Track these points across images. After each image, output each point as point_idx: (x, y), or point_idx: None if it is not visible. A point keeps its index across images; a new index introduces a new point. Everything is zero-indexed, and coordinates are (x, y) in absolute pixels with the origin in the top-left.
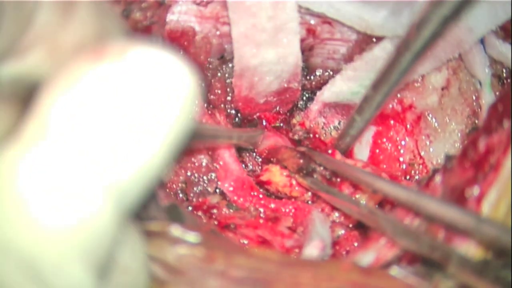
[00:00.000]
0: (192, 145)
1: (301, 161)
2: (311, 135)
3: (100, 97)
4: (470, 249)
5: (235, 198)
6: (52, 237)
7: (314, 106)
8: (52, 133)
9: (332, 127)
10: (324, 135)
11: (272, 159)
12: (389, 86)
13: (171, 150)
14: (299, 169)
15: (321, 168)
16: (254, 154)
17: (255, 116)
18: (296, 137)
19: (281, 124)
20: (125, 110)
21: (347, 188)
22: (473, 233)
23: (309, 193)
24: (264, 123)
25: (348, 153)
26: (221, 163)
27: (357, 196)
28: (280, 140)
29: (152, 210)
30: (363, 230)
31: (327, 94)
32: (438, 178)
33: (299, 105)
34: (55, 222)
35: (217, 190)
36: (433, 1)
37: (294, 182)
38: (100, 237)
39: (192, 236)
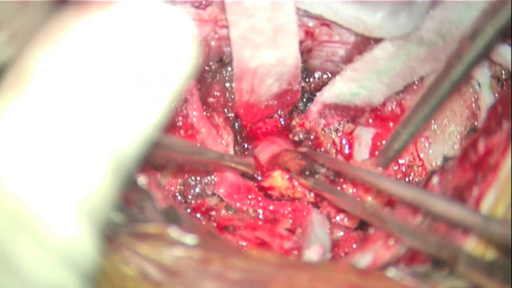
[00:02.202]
0: (190, 163)
1: (303, 162)
2: (312, 136)
3: (89, 49)
4: (477, 248)
5: (232, 202)
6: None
7: (314, 107)
8: (36, 85)
9: (332, 128)
10: (324, 136)
11: (275, 166)
12: (438, 99)
13: (171, 105)
14: (301, 170)
15: (324, 168)
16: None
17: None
18: (296, 138)
19: (282, 123)
20: (118, 63)
21: (351, 188)
22: (480, 232)
23: (312, 194)
24: (262, 129)
25: (349, 155)
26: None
27: (362, 196)
28: (275, 147)
29: (149, 212)
30: (362, 231)
31: (327, 94)
32: (435, 180)
33: (299, 107)
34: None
35: (215, 193)
36: (487, 12)
37: (296, 183)
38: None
39: (189, 238)
